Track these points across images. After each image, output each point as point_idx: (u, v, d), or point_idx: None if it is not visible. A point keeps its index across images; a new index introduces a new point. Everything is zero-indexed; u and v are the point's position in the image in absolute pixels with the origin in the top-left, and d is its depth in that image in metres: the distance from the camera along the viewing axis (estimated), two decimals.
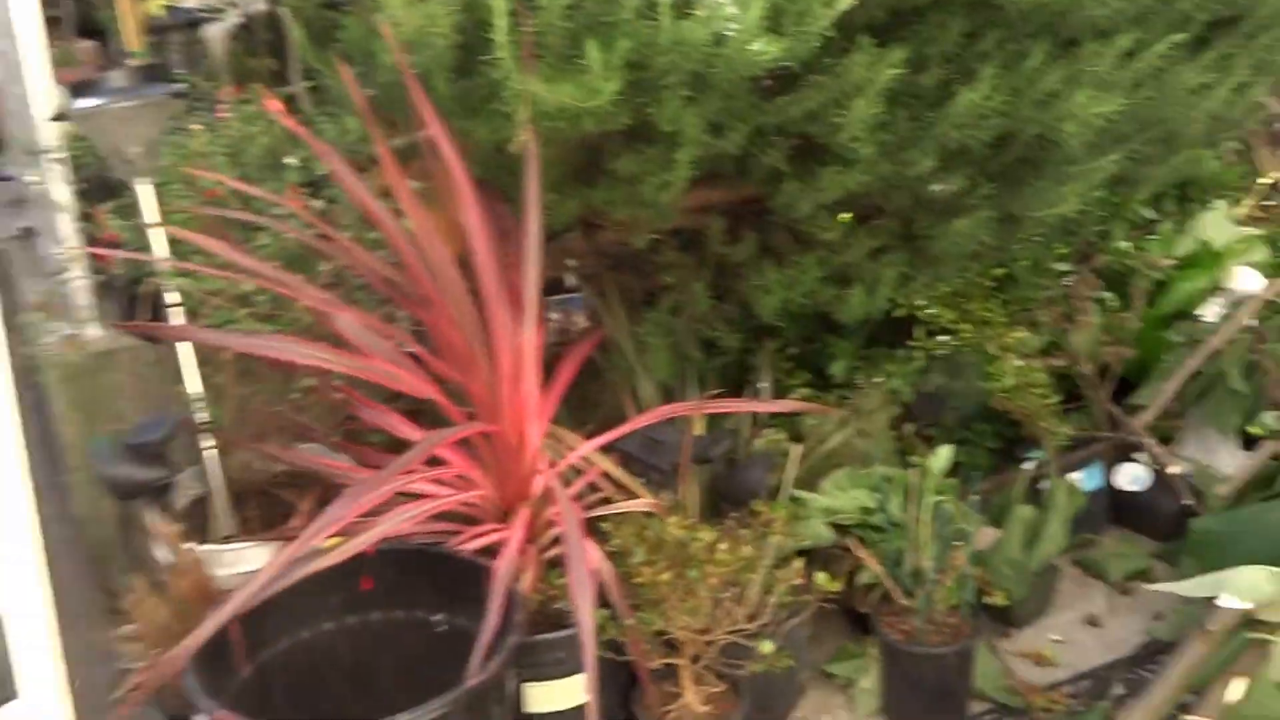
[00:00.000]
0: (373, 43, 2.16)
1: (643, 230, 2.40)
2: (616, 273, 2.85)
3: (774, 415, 2.86)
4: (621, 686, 2.28)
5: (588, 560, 1.94)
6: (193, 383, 2.49)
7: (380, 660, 2.08)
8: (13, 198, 4.10)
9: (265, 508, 2.56)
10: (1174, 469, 2.59)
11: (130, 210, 2.71)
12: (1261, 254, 3.32)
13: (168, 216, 2.50)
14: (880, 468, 2.71)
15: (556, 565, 2.18)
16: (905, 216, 2.48)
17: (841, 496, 2.55)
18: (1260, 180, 3.65)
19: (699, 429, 2.62)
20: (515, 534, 2.12)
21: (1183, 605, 2.76)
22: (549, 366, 2.46)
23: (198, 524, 2.50)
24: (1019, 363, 3.08)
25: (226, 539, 2.47)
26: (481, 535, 2.16)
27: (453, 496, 2.22)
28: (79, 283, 3.16)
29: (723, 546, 2.04)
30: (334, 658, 2.07)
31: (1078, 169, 2.23)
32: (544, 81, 1.87)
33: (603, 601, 2.03)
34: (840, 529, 2.56)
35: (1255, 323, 2.97)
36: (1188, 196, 3.21)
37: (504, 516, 2.23)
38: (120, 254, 2.78)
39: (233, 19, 4.31)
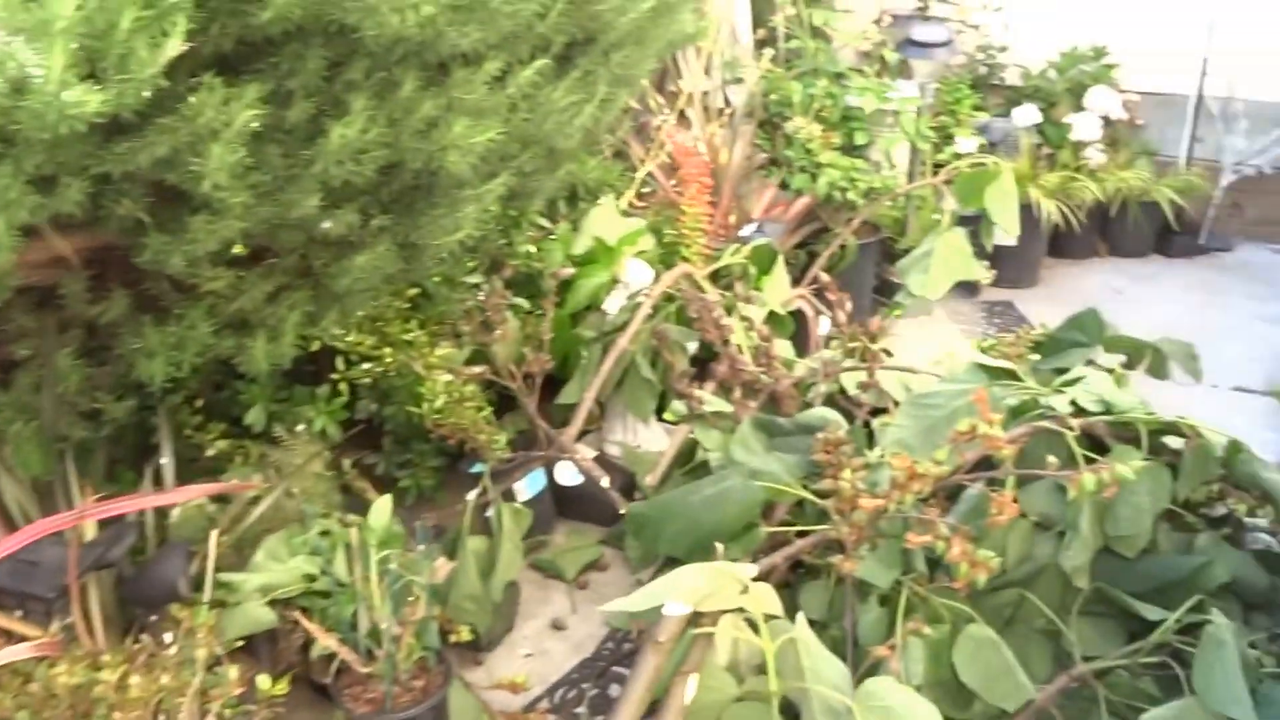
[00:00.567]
0: None
1: None
2: None
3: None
4: None
5: None
6: None
7: None
8: None
9: None
10: (598, 475, 2.67)
11: None
12: (649, 242, 3.60)
13: None
14: (320, 524, 2.52)
15: None
16: (301, 254, 2.29)
17: (278, 569, 2.32)
18: (636, 174, 3.96)
19: (91, 529, 2.22)
20: None
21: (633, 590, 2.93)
22: None
23: None
24: (447, 378, 3.04)
25: None
26: None
27: None
28: None
29: (135, 680, 1.72)
30: None
31: (470, 192, 2.19)
32: None
33: None
34: (284, 602, 2.33)
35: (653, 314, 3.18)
36: (578, 197, 3.37)
37: None
38: None
39: None
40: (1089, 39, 5.68)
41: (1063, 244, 5.64)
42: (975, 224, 3.77)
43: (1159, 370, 3.16)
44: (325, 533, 2.51)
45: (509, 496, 3.01)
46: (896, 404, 2.73)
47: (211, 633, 1.94)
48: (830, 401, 2.83)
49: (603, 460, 3.41)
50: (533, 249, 3.34)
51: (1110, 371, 3.03)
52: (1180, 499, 2.39)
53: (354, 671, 2.27)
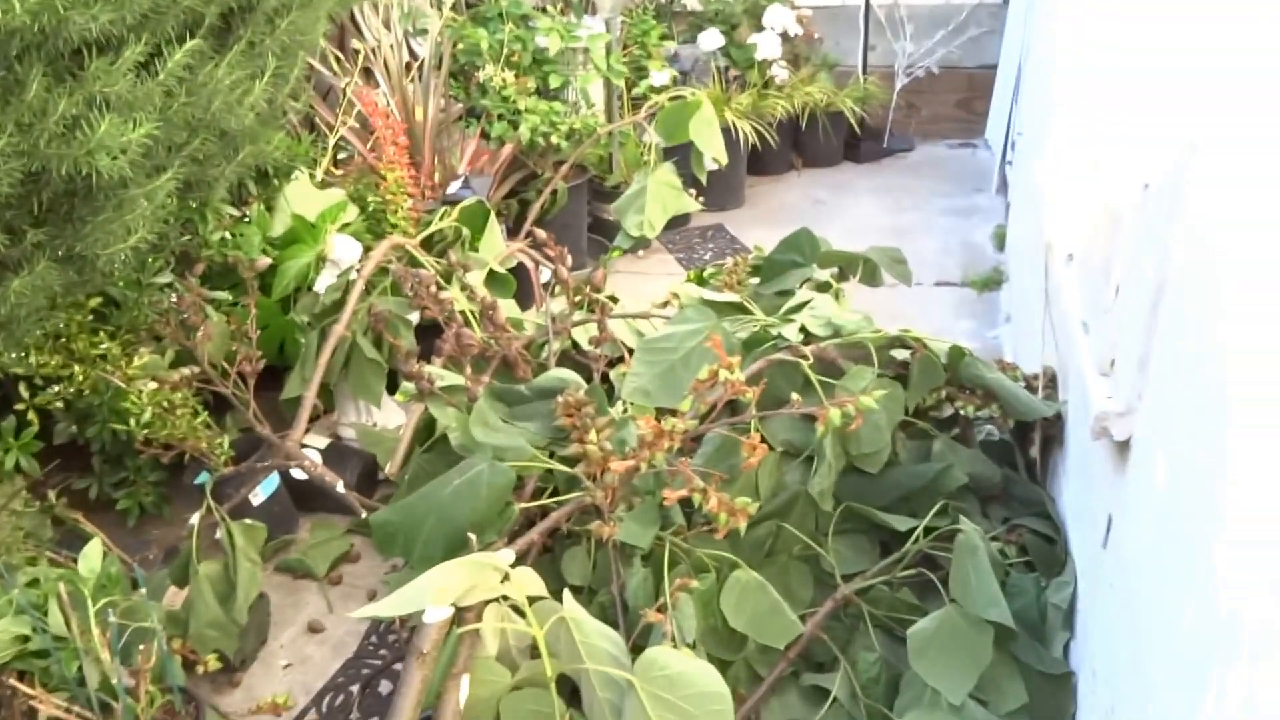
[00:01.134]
0: None
1: None
2: None
3: None
4: None
5: None
6: None
7: None
8: None
9: None
10: (331, 480, 2.50)
11: None
12: (353, 214, 3.38)
13: None
14: (28, 573, 2.22)
15: None
16: None
17: None
18: (328, 142, 3.71)
19: None
20: None
21: (393, 575, 2.78)
22: None
23: None
24: (153, 388, 2.76)
25: None
26: None
27: None
28: None
29: None
30: None
31: (137, 191, 1.94)
32: None
33: None
34: None
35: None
36: (268, 175, 3.11)
37: None
38: None
39: None
40: None
41: (760, 162, 5.83)
42: (681, 154, 3.79)
43: (872, 278, 3.30)
44: (34, 583, 2.22)
45: (243, 505, 2.78)
46: (631, 352, 2.70)
47: None
48: (564, 359, 2.76)
49: (338, 447, 3.23)
50: (227, 236, 3.06)
51: (828, 286, 3.14)
52: (911, 409, 2.50)
53: None
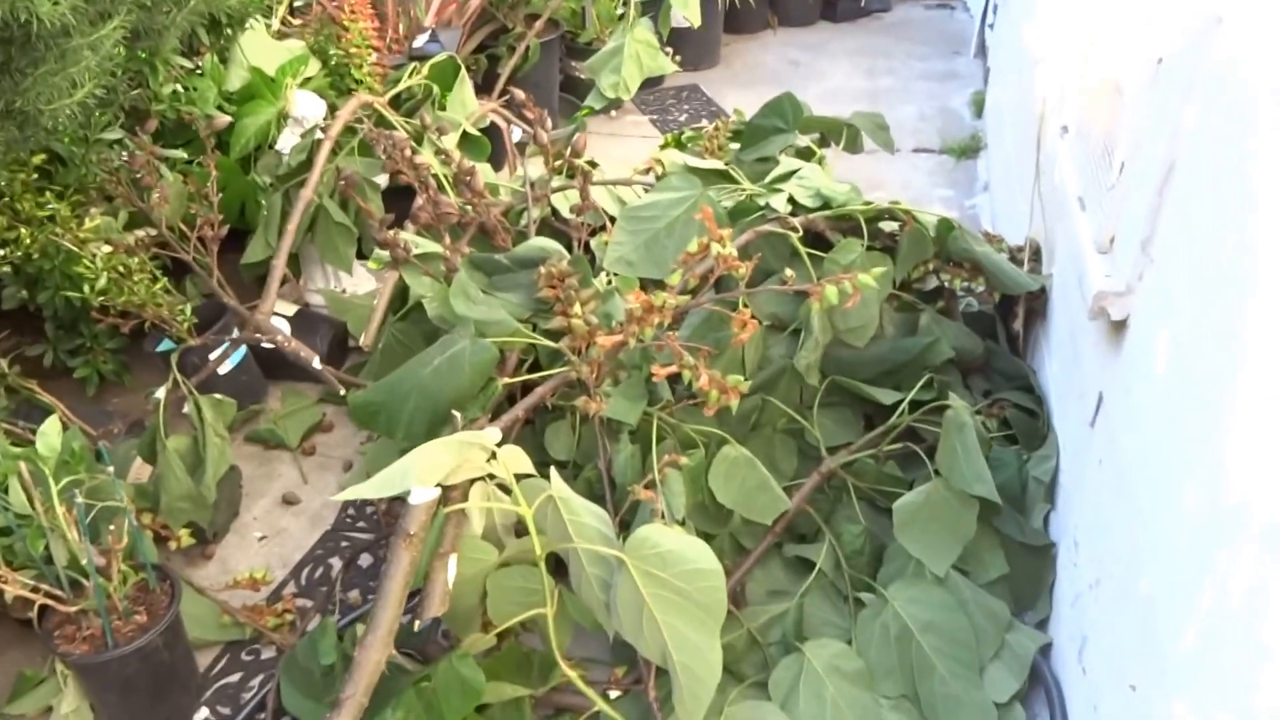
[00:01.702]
0: None
1: None
2: None
3: None
4: None
5: None
6: None
7: None
8: None
9: None
10: (307, 356, 2.41)
11: None
12: (314, 68, 3.20)
13: None
14: None
15: None
16: None
17: None
18: None
19: None
20: None
21: (369, 445, 2.74)
22: None
23: None
24: (107, 251, 2.63)
25: None
26: None
27: None
28: None
29: None
30: None
31: (81, 41, 1.79)
32: None
33: None
34: None
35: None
36: (220, 24, 2.91)
37: None
38: None
39: None
40: None
41: (736, 19, 5.63)
42: (656, 10, 3.63)
43: (853, 145, 3.20)
44: None
45: (209, 375, 2.70)
46: (612, 220, 2.62)
47: None
48: (544, 227, 2.67)
49: (306, 315, 3.13)
50: (179, 89, 2.88)
51: (811, 153, 3.05)
52: (898, 282, 2.46)
53: (62, 611, 1.98)
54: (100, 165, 2.68)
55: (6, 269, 2.64)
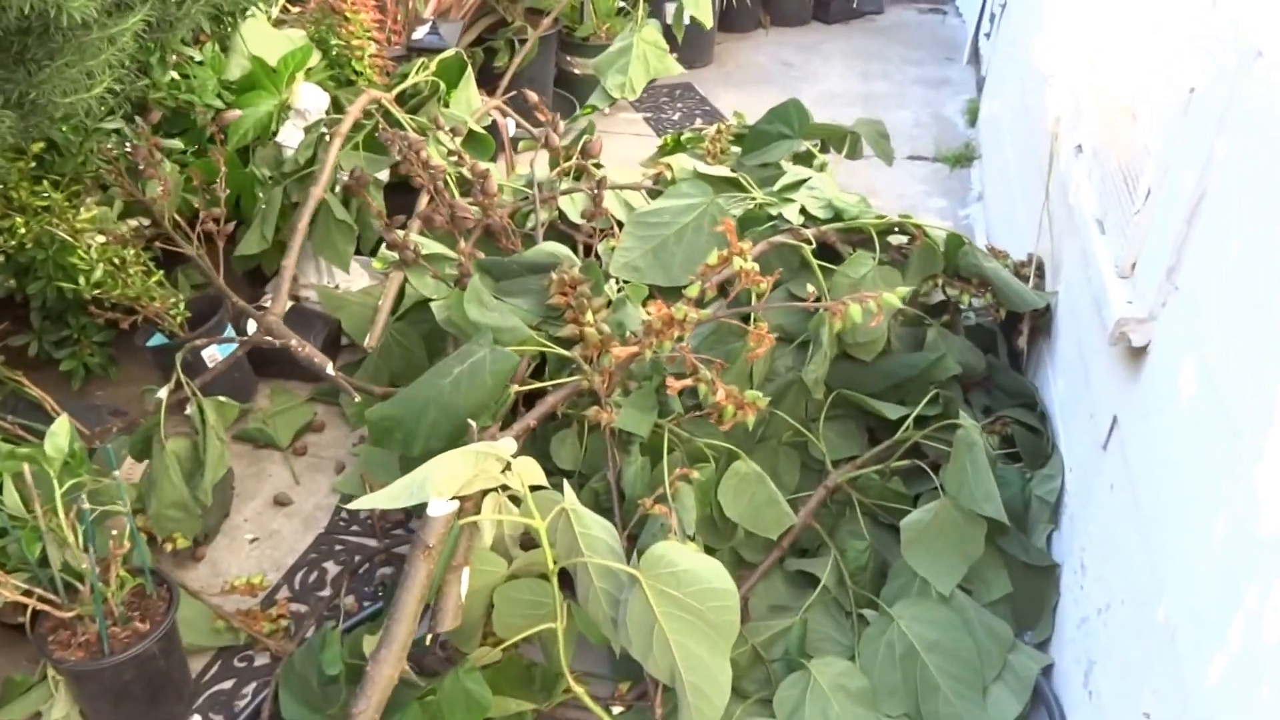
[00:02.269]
0: None
1: None
2: None
3: None
4: None
5: None
6: None
7: None
8: None
9: None
10: (321, 362, 2.36)
11: None
12: (315, 59, 3.15)
13: None
14: None
15: None
16: None
17: None
18: None
19: None
20: None
21: (362, 447, 2.69)
22: None
23: None
24: (102, 240, 2.58)
25: None
26: None
27: None
28: None
29: None
30: None
31: (99, 34, 1.74)
32: None
33: None
34: None
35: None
36: (222, 12, 2.84)
37: None
38: None
39: None
40: None
41: (728, 18, 5.61)
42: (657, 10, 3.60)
43: (854, 152, 3.20)
44: None
45: (199, 369, 2.64)
46: (619, 224, 2.59)
47: None
48: (550, 230, 2.63)
49: (300, 310, 3.08)
50: (177, 78, 2.82)
51: (810, 157, 3.03)
52: (907, 296, 2.44)
53: (58, 616, 1.93)
54: (99, 154, 2.62)
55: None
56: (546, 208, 2.57)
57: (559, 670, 1.83)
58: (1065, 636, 2.07)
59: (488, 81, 3.92)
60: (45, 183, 2.54)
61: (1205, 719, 1.37)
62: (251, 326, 2.85)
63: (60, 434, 1.86)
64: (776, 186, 2.58)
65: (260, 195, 2.92)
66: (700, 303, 2.07)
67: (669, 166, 2.69)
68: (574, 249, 2.50)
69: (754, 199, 2.51)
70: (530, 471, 1.77)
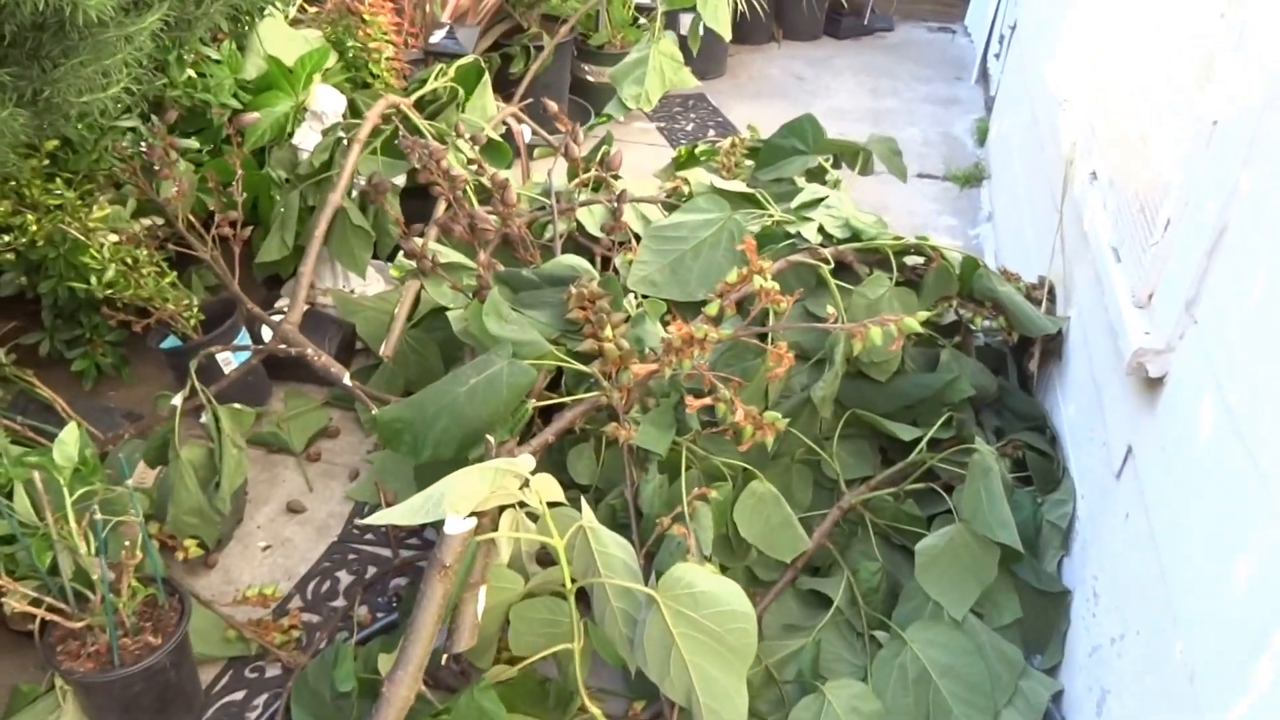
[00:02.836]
0: None
1: None
2: None
3: None
4: None
5: None
6: None
7: None
8: None
9: None
10: (338, 372, 2.35)
11: None
12: (333, 60, 3.14)
13: None
14: None
15: None
16: None
17: None
18: None
19: None
20: None
21: (377, 454, 2.69)
22: None
23: None
24: (114, 239, 2.56)
25: None
26: None
27: None
28: None
29: None
30: None
31: (116, 33, 1.73)
32: None
33: None
34: None
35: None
36: (240, 11, 2.84)
37: None
38: None
39: None
40: None
41: (741, 30, 5.59)
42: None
43: (866, 169, 3.20)
44: None
45: (214, 373, 2.64)
46: (637, 237, 2.59)
47: None
48: (567, 241, 2.63)
49: (315, 314, 3.07)
50: (193, 76, 2.81)
51: (822, 172, 3.04)
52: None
53: (67, 625, 1.92)
54: (113, 152, 2.61)
55: (9, 256, 2.55)
56: (565, 219, 2.57)
57: (574, 687, 1.83)
58: (1076, 663, 2.07)
59: (502, 87, 3.92)
60: (58, 180, 2.52)
61: None
62: (267, 331, 2.86)
63: (69, 442, 1.84)
64: (794, 204, 2.59)
65: (276, 198, 2.91)
66: (718, 320, 2.08)
67: (685, 181, 2.69)
68: (591, 261, 2.50)
69: (771, 215, 2.52)
70: (549, 489, 1.77)
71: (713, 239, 2.45)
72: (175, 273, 2.69)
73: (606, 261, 2.61)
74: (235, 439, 2.28)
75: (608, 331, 2.05)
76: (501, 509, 1.80)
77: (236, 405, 2.37)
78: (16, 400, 2.57)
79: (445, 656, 1.85)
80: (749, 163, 3.20)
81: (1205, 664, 1.48)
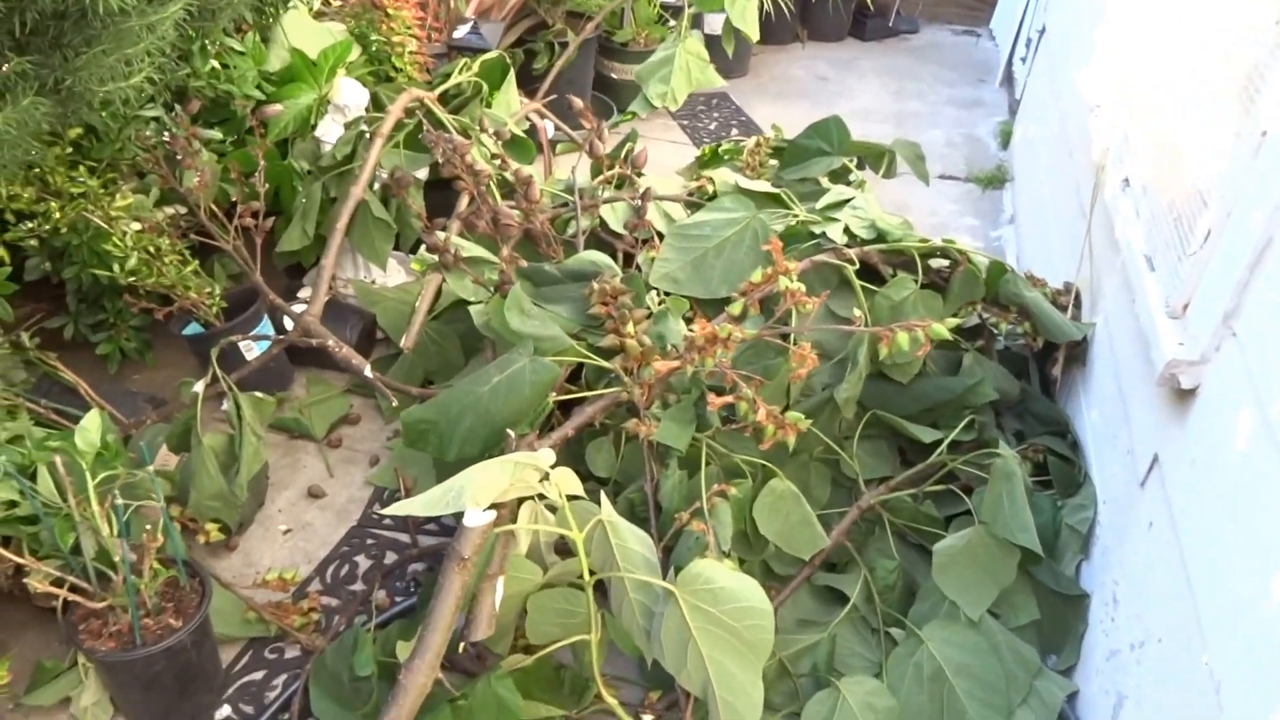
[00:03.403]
0: None
1: None
2: None
3: None
4: None
5: None
6: None
7: None
8: None
9: None
10: (359, 364, 2.36)
11: None
12: (356, 53, 3.15)
13: None
14: (7, 428, 2.09)
15: None
16: None
17: None
18: None
19: None
20: None
21: (397, 441, 2.69)
22: None
23: None
24: (137, 227, 2.57)
25: None
26: None
27: None
28: None
29: None
30: None
31: (139, 22, 1.74)
32: None
33: None
34: None
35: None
36: (264, 2, 2.85)
37: None
38: None
39: None
40: None
41: (766, 30, 5.57)
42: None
43: (890, 171, 3.19)
44: (16, 439, 2.08)
45: (236, 360, 2.65)
46: (659, 235, 2.59)
47: None
48: (590, 237, 2.63)
49: (336, 304, 3.08)
50: (217, 66, 2.82)
51: (846, 172, 3.03)
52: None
53: (88, 605, 1.93)
54: (137, 141, 2.62)
55: (33, 242, 2.57)
56: (588, 215, 2.57)
57: (590, 676, 1.83)
58: (1092, 667, 2.06)
59: (526, 83, 3.92)
60: (81, 168, 2.54)
61: None
62: (288, 321, 2.87)
63: (91, 428, 1.85)
64: (820, 204, 2.58)
65: (299, 189, 2.92)
66: (741, 318, 2.07)
67: (710, 180, 2.69)
68: (614, 257, 2.50)
69: (796, 215, 2.51)
70: (568, 482, 1.77)
71: (736, 238, 2.45)
72: (197, 261, 2.70)
73: (629, 258, 2.61)
74: (255, 427, 2.29)
75: (629, 327, 2.05)
76: (520, 500, 1.81)
77: (258, 394, 2.38)
78: (41, 383, 2.59)
79: (462, 644, 1.86)
80: (773, 162, 3.20)
81: (1236, 677, 1.46)
